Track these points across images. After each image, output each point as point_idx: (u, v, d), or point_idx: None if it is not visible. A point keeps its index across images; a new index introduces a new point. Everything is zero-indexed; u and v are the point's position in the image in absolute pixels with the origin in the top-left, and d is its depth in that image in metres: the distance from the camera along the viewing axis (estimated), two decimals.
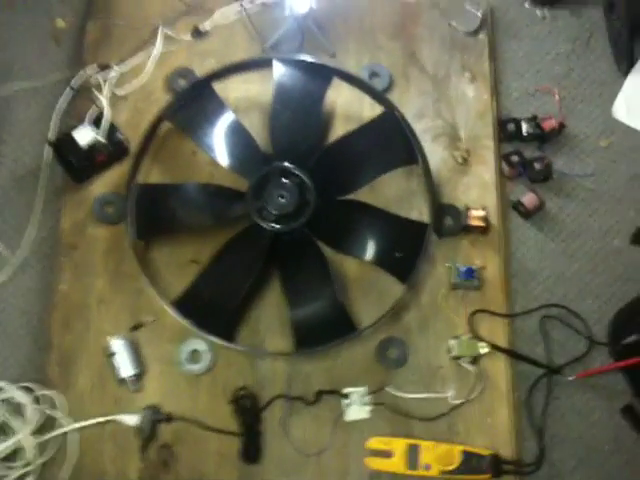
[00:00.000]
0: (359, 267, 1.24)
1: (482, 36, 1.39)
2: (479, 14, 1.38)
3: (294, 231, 1.19)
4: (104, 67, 1.31)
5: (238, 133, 1.24)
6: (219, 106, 1.25)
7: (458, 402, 1.16)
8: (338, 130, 1.31)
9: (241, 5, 1.35)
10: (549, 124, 1.33)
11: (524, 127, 1.34)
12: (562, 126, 1.34)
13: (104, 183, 1.26)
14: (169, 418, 1.14)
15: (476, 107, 1.34)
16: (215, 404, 1.16)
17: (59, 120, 1.30)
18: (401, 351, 1.19)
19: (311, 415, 1.15)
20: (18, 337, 1.22)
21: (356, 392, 1.16)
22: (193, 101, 1.25)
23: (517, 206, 1.30)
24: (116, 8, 1.38)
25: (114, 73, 1.30)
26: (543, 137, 1.34)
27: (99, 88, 1.28)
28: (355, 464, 1.13)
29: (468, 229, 1.25)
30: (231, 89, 1.31)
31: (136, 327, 1.19)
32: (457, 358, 1.18)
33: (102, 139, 1.22)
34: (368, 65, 1.35)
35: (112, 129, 1.24)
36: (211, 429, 1.14)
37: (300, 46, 1.35)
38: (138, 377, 1.16)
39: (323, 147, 1.26)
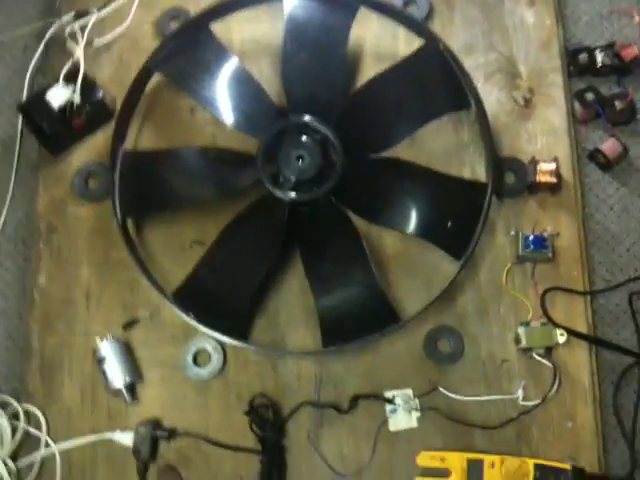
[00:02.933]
0: (400, 242, 1.05)
1: None
2: None
3: (317, 200, 1.01)
4: (82, 14, 1.11)
5: (244, 83, 1.06)
6: (220, 51, 1.06)
7: (530, 404, 0.97)
8: (368, 73, 1.11)
9: None
10: (630, 52, 1.15)
11: (599, 57, 1.15)
12: None
13: (85, 153, 1.09)
14: (172, 433, 0.96)
15: (538, 36, 1.15)
16: (228, 416, 0.98)
17: (32, 81, 1.12)
18: (456, 343, 1.00)
19: (346, 425, 0.97)
20: None
21: (401, 395, 0.97)
22: (188, 47, 1.06)
23: (594, 155, 1.11)
24: None
25: (92, 19, 1.09)
26: (623, 69, 1.16)
27: (75, 39, 1.09)
28: None
29: (535, 187, 1.05)
30: (234, 30, 1.13)
31: (130, 325, 1.01)
32: (527, 349, 0.98)
33: (78, 98, 1.04)
34: None
35: (90, 86, 1.06)
36: (224, 446, 0.96)
37: None
38: (134, 386, 0.98)
39: (349, 94, 1.08)
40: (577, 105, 1.12)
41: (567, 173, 1.07)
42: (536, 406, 0.96)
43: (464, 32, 1.14)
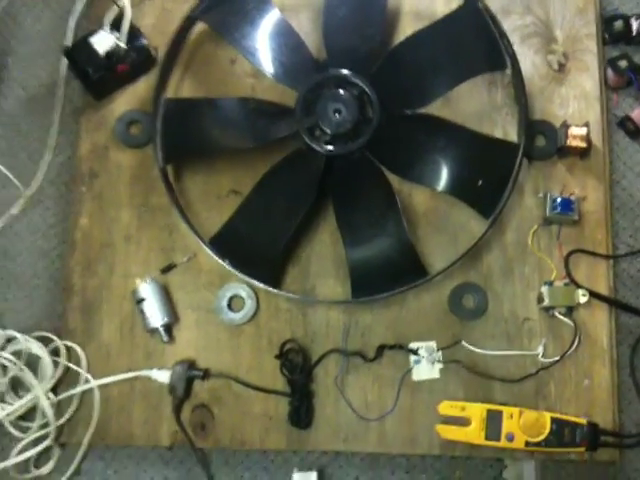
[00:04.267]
0: (430, 199, 1.05)
1: None
2: None
3: (353, 154, 1.01)
4: None
5: (285, 34, 1.05)
6: (261, 2, 1.05)
7: (549, 361, 0.98)
8: (405, 30, 1.10)
9: None
10: None
11: (634, 25, 1.14)
12: None
13: (128, 99, 1.09)
14: (206, 374, 0.99)
15: (575, 1, 1.12)
16: (259, 359, 1.00)
17: (75, 25, 1.12)
18: (480, 299, 1.01)
19: (372, 373, 0.99)
20: (34, 281, 1.08)
21: (425, 347, 0.99)
22: None
23: (624, 123, 1.11)
24: None
25: None
26: None
27: None
28: (424, 432, 0.97)
29: (565, 151, 1.04)
30: None
31: (168, 269, 1.03)
32: (549, 308, 0.99)
33: (123, 44, 1.04)
34: None
35: (135, 33, 1.06)
36: (255, 388, 0.99)
37: None
38: (170, 326, 1.01)
39: (387, 50, 1.06)
40: (610, 72, 1.10)
41: (597, 139, 1.05)
42: (555, 363, 0.97)
43: None
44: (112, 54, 1.04)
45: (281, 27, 1.05)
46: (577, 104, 1.08)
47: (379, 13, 1.05)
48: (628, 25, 1.13)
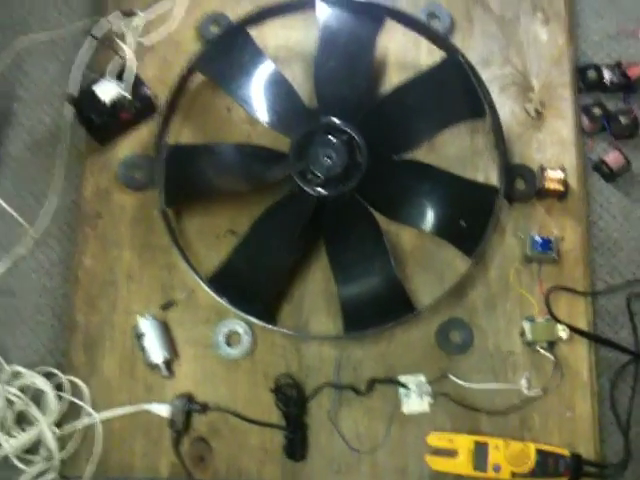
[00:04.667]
0: (417, 238, 1.10)
1: None
2: None
3: (343, 196, 1.05)
4: (128, 14, 1.17)
5: (278, 84, 1.11)
6: (256, 55, 1.11)
7: (533, 393, 1.02)
8: (392, 80, 1.16)
9: None
10: (635, 71, 1.19)
11: (606, 75, 1.19)
12: None
13: (130, 144, 1.14)
14: (204, 408, 1.03)
15: (550, 52, 1.19)
16: (255, 392, 1.04)
17: (80, 75, 1.18)
18: (465, 334, 1.05)
19: (363, 406, 1.03)
20: (39, 317, 1.12)
21: (414, 381, 1.03)
22: (227, 50, 1.12)
23: (599, 166, 1.16)
24: None
25: (139, 20, 1.16)
26: (629, 86, 1.19)
27: (123, 38, 1.14)
28: (414, 462, 1.01)
29: (543, 193, 1.10)
30: (269, 36, 1.17)
31: (167, 305, 1.07)
32: (531, 343, 1.04)
33: (127, 94, 1.10)
34: (425, 6, 1.18)
35: (138, 83, 1.11)
36: (251, 421, 1.02)
37: None
38: (170, 362, 1.05)
39: (374, 99, 1.12)
40: (584, 118, 1.16)
41: (573, 181, 1.11)
42: (538, 396, 1.02)
43: (482, 46, 1.18)
44: (116, 102, 1.09)
45: (275, 78, 1.10)
46: (554, 149, 1.13)
47: (367, 64, 1.11)
48: (601, 74, 1.19)
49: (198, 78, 1.15)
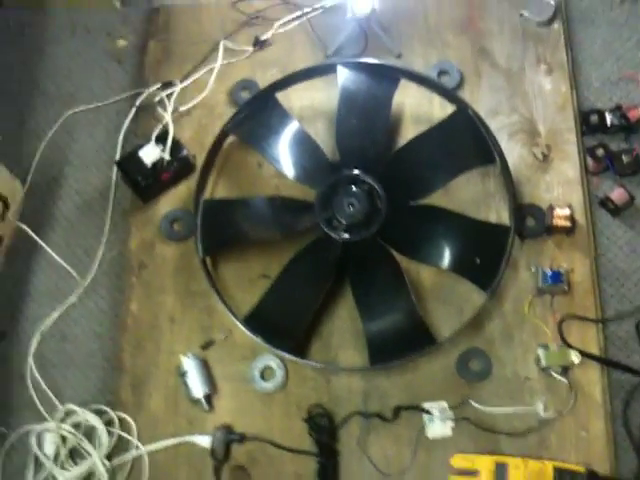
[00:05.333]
0: (436, 275, 1.18)
1: (557, 25, 1.33)
2: (552, 2, 1.32)
3: (365, 240, 1.14)
4: (166, 84, 1.31)
5: (303, 142, 1.21)
6: (283, 116, 1.22)
7: (549, 415, 1.08)
8: (408, 133, 1.27)
9: (302, 11, 1.33)
10: (635, 114, 1.26)
11: (608, 118, 1.27)
12: None
13: (170, 201, 1.26)
14: (242, 438, 1.11)
15: (555, 100, 1.28)
16: (289, 423, 1.12)
17: (124, 140, 1.31)
18: (484, 363, 1.12)
19: (390, 433, 1.10)
20: (89, 359, 1.21)
21: (437, 407, 1.10)
22: (257, 113, 1.23)
23: (605, 203, 1.23)
24: (176, 25, 1.39)
25: (177, 90, 1.29)
26: (629, 128, 1.27)
27: (162, 106, 1.27)
28: None
29: (553, 230, 1.18)
30: (295, 98, 1.29)
31: (207, 345, 1.16)
32: (546, 368, 1.10)
33: (167, 156, 1.21)
34: (436, 64, 1.30)
35: (177, 146, 1.23)
36: (286, 449, 1.10)
37: (364, 49, 1.32)
38: (210, 396, 1.13)
39: (392, 151, 1.22)
40: (589, 159, 1.24)
41: (580, 218, 1.19)
42: (554, 418, 1.08)
43: (490, 97, 1.28)
44: (157, 164, 1.21)
45: (300, 136, 1.21)
46: (561, 189, 1.21)
47: (384, 120, 1.21)
48: (603, 118, 1.26)
49: (230, 138, 1.26)
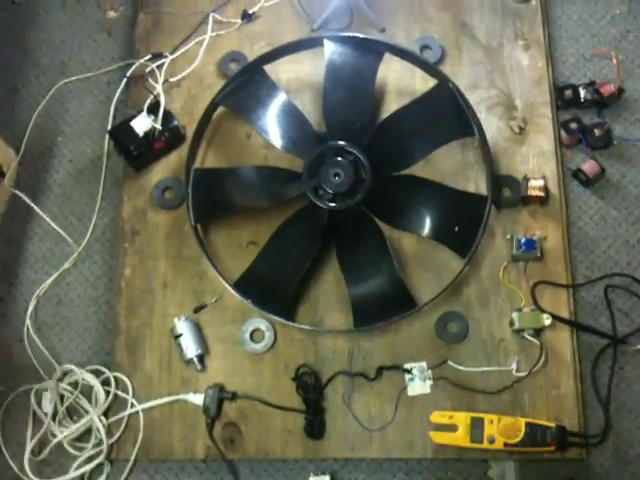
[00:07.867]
0: (417, 243, 1.24)
1: (534, 1, 1.37)
2: None
3: (350, 209, 1.19)
4: (157, 56, 1.33)
5: (291, 114, 1.25)
6: (271, 88, 1.25)
7: (522, 375, 1.15)
8: (391, 106, 1.30)
9: None
10: (608, 89, 1.31)
11: (582, 93, 1.32)
12: (621, 90, 1.33)
13: (162, 170, 1.29)
14: (234, 396, 1.16)
15: (531, 75, 1.33)
16: (278, 382, 1.18)
17: (116, 110, 1.34)
18: (461, 325, 1.19)
19: (373, 391, 1.16)
20: (86, 322, 1.26)
21: (417, 367, 1.16)
22: (245, 84, 1.26)
23: (577, 174, 1.29)
24: None
25: (167, 61, 1.31)
26: (602, 103, 1.32)
27: (153, 77, 1.30)
28: (419, 438, 1.14)
29: (527, 200, 1.23)
30: (282, 70, 1.32)
31: (199, 308, 1.21)
32: (519, 331, 1.17)
33: (159, 126, 1.25)
34: (419, 38, 1.34)
35: (168, 116, 1.26)
36: (275, 406, 1.16)
37: (349, 23, 1.36)
38: (203, 357, 1.19)
39: (376, 123, 1.26)
40: (563, 132, 1.29)
41: (554, 188, 1.24)
42: (526, 377, 1.14)
43: (470, 72, 1.33)
44: (149, 134, 1.24)
45: (288, 108, 1.24)
46: (536, 160, 1.27)
47: (369, 93, 1.25)
48: (577, 93, 1.31)
49: (220, 109, 1.29)
